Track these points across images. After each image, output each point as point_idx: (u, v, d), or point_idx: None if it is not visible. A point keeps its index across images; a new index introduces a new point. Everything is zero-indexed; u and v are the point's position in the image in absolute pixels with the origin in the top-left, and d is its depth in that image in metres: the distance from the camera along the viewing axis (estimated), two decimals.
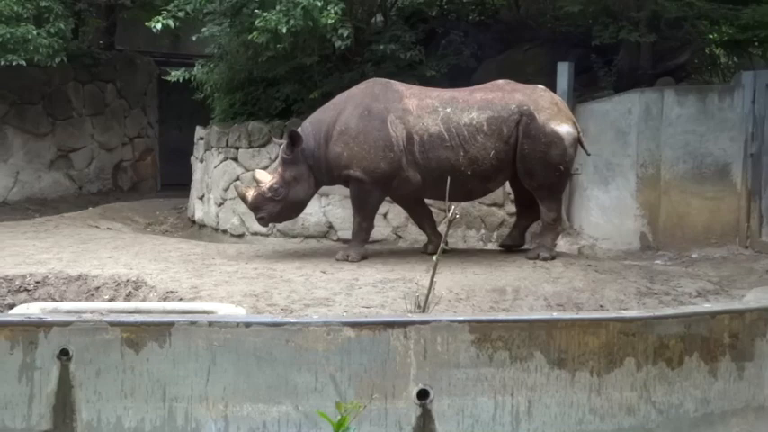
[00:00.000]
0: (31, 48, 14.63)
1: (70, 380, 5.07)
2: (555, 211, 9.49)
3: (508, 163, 9.25)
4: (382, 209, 11.64)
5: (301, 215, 10.77)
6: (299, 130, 9.63)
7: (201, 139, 14.44)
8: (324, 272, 8.81)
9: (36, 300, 7.88)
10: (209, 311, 6.10)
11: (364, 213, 9.65)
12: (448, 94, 9.53)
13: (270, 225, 11.19)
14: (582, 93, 12.04)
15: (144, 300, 7.75)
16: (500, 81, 9.65)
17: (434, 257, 6.33)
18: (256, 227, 12.47)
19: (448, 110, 9.27)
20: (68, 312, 5.75)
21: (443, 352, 5.19)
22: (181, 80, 13.27)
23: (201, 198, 14.07)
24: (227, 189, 13.16)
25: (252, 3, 11.12)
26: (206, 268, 9.00)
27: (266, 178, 9.62)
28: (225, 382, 5.14)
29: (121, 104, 18.95)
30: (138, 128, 19.35)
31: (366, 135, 9.26)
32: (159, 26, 11.46)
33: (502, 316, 6.16)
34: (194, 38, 12.88)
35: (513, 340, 5.19)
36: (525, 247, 10.00)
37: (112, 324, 5.11)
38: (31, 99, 17.02)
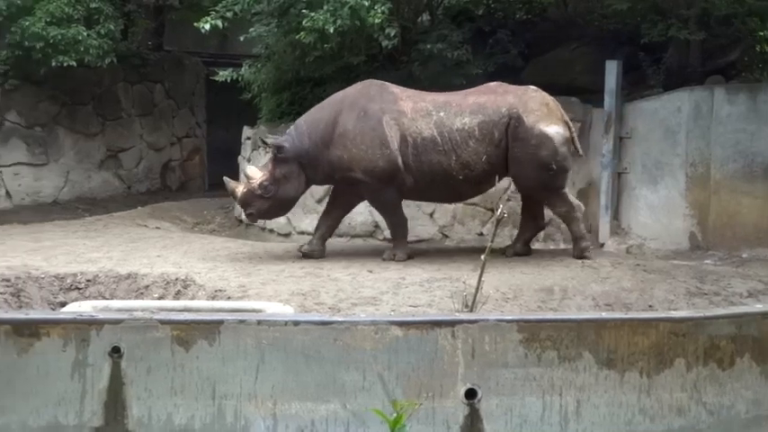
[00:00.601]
0: (82, 49, 14.80)
1: (121, 377, 5.13)
2: (562, 205, 9.57)
3: (500, 166, 9.31)
4: (428, 208, 11.64)
5: (348, 214, 10.89)
6: (292, 128, 9.77)
7: (249, 138, 14.51)
8: (370, 271, 8.83)
9: (87, 298, 7.98)
10: (257, 310, 6.14)
11: (387, 211, 9.90)
12: (442, 98, 9.63)
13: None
14: (630, 91, 11.92)
15: (193, 298, 7.83)
16: (493, 84, 9.76)
17: (482, 257, 6.32)
18: (303, 226, 12.53)
19: (441, 114, 9.39)
20: (119, 310, 5.82)
21: (491, 351, 5.18)
22: (228, 80, 13.35)
23: None
24: None
25: (299, 3, 11.16)
26: (253, 267, 9.07)
27: (257, 175, 9.73)
28: (273, 380, 5.17)
29: (170, 105, 19.10)
30: (186, 128, 19.49)
31: (363, 136, 9.40)
32: (208, 27, 11.54)
33: (550, 316, 6.16)
34: (242, 38, 12.95)
35: (561, 340, 5.17)
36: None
37: (163, 322, 5.16)
38: (81, 100, 17.21)
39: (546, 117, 9.29)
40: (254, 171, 9.87)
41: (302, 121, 9.88)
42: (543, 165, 9.24)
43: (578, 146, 9.56)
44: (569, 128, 9.45)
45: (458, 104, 9.43)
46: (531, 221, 9.88)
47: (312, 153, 9.57)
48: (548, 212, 10.16)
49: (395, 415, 3.88)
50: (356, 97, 9.71)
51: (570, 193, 9.89)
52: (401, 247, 9.67)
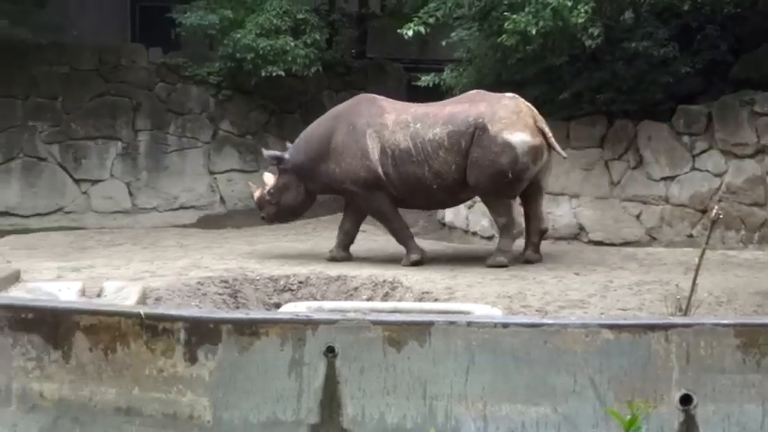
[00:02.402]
0: (289, 59, 15.37)
1: (336, 376, 5.26)
2: (504, 215, 9.57)
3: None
4: (634, 210, 11.41)
5: (551, 216, 10.97)
6: (295, 141, 10.48)
7: None
8: (577, 273, 8.74)
9: (299, 299, 8.24)
10: (465, 312, 6.17)
11: (382, 219, 10.28)
12: (423, 109, 9.92)
13: None
14: None
15: (400, 300, 7.95)
16: (473, 92, 10.04)
17: (696, 259, 6.15)
18: None
19: (417, 125, 9.66)
20: (332, 311, 5.97)
21: (707, 356, 5.01)
22: (430, 85, 13.50)
23: None
24: None
25: (501, 5, 11.16)
26: (459, 269, 9.14)
27: (270, 182, 10.48)
28: (483, 381, 5.19)
29: None
30: None
31: (349, 148, 9.85)
32: (411, 33, 11.72)
33: None
34: (443, 42, 13.06)
35: None
36: None
37: (375, 323, 5.27)
38: (288, 108, 17.82)
39: (512, 125, 9.34)
40: (269, 178, 10.55)
41: (301, 135, 10.51)
42: (501, 172, 9.29)
43: (558, 149, 9.52)
44: (544, 135, 9.40)
45: (434, 115, 9.69)
46: (533, 225, 9.78)
47: (307, 166, 10.13)
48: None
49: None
50: (347, 112, 10.20)
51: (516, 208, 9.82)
52: (411, 250, 9.84)
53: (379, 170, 9.70)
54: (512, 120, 9.38)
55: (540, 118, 9.53)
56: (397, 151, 9.64)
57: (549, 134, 9.46)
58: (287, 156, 10.29)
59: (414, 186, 9.67)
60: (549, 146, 9.47)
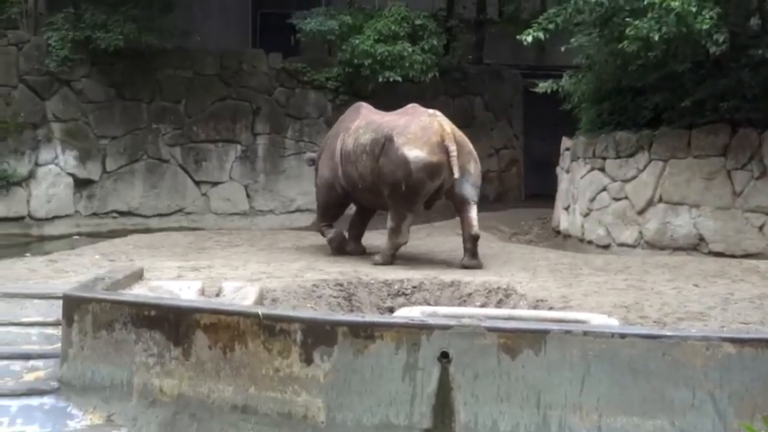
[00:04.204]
0: (407, 64, 15.45)
1: (449, 382, 5.28)
2: (394, 221, 10.13)
3: None
4: (757, 221, 11.11)
5: (670, 226, 11.06)
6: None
7: (568, 149, 14.47)
8: (696, 285, 8.54)
9: (413, 304, 8.24)
10: (581, 321, 6.10)
11: (322, 211, 11.39)
12: (375, 116, 10.69)
13: (637, 237, 11.81)
14: None
15: (514, 307, 7.89)
16: (410, 106, 10.69)
17: None
18: (623, 238, 12.32)
19: (361, 131, 10.45)
20: (446, 317, 5.98)
21: None
22: (548, 92, 13.39)
23: (567, 208, 14.10)
24: (593, 200, 13.09)
25: (622, 11, 10.97)
26: (574, 278, 9.03)
27: None
28: (599, 392, 5.14)
29: (488, 117, 19.44)
30: (504, 139, 19.76)
31: (329, 149, 11.08)
32: (530, 39, 11.63)
33: None
34: (562, 49, 12.93)
35: None
36: None
37: (490, 330, 5.27)
38: None
39: (414, 141, 9.81)
40: None
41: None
42: (396, 183, 9.84)
43: (455, 170, 9.71)
44: (447, 155, 9.70)
45: (375, 123, 10.41)
46: (464, 232, 10.10)
47: (319, 168, 11.31)
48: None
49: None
50: (341, 119, 11.41)
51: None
52: (326, 234, 11.11)
53: (339, 169, 10.70)
54: (416, 136, 9.88)
55: (450, 138, 9.84)
56: (345, 152, 10.58)
57: (453, 154, 9.72)
58: (315, 156, 11.64)
59: (351, 184, 10.57)
60: (450, 164, 9.76)
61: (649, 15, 10.42)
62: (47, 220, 16.31)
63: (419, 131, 9.90)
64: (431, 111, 10.29)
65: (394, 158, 9.83)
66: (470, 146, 10.17)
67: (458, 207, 10.19)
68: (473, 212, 10.06)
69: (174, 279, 8.30)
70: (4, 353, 6.53)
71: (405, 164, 9.74)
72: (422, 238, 12.69)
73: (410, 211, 10.15)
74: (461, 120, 18.56)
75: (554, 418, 5.18)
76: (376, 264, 9.93)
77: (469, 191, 10.07)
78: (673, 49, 11.10)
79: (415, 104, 10.72)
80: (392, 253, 10.12)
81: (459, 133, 10.08)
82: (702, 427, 4.98)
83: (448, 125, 10.00)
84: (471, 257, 9.91)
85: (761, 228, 11.20)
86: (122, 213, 17.01)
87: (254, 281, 8.36)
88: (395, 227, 10.11)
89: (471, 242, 9.95)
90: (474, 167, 10.10)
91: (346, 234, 11.19)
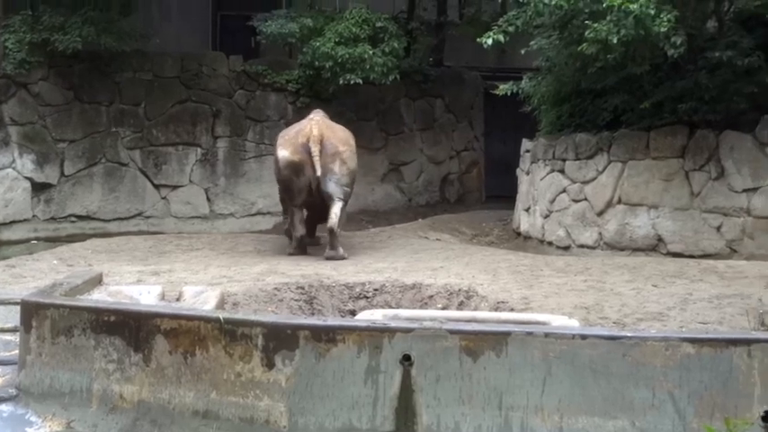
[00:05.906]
0: (368, 67, 15.42)
1: (411, 384, 5.27)
2: (288, 216, 11.77)
3: None
4: (714, 221, 11.23)
5: (629, 227, 11.16)
6: None
7: (528, 151, 14.55)
8: (655, 285, 8.61)
9: (374, 307, 8.23)
10: (542, 323, 6.12)
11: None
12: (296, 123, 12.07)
13: (596, 238, 11.92)
14: None
15: (475, 309, 7.90)
16: (314, 111, 11.87)
17: None
18: (583, 239, 12.41)
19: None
20: (409, 319, 5.97)
21: None
22: (508, 94, 13.45)
23: (527, 210, 14.18)
24: (553, 201, 13.18)
25: (581, 14, 11.06)
26: (535, 279, 9.07)
27: None
28: (560, 393, 5.15)
29: (449, 119, 19.49)
30: (465, 141, 19.82)
31: None
32: (490, 41, 11.66)
33: None
34: (523, 51, 13.00)
35: None
36: None
37: (452, 332, 5.26)
38: (366, 116, 17.91)
39: (285, 142, 11.22)
40: None
41: None
42: (276, 180, 11.70)
43: (317, 168, 10.74)
44: (308, 154, 10.78)
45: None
46: (326, 225, 11.03)
47: None
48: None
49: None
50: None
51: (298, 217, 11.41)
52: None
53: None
54: (289, 136, 11.27)
55: (314, 140, 10.85)
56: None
57: (315, 154, 10.77)
58: None
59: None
60: (312, 163, 10.79)
61: (608, 18, 10.49)
62: (4, 224, 16.10)
63: (293, 134, 11.21)
64: (317, 117, 11.28)
65: (274, 158, 11.42)
66: (340, 148, 11.02)
67: (325, 203, 11.05)
68: (335, 208, 10.89)
69: (133, 284, 8.24)
70: None
71: (276, 162, 11.32)
72: (383, 240, 12.69)
73: (294, 206, 11.33)
74: (422, 122, 18.74)
75: (516, 420, 5.18)
76: (289, 255, 11.12)
77: (333, 188, 11.01)
78: (631, 52, 11.20)
79: (319, 110, 11.81)
80: (295, 245, 11.35)
81: (331, 135, 10.99)
82: (662, 427, 5.01)
83: (317, 129, 10.92)
84: (330, 249, 10.83)
85: (718, 228, 11.33)
86: (81, 217, 16.84)
87: (214, 285, 8.31)
88: (290, 221, 11.58)
89: (330, 235, 10.87)
90: (339, 167, 10.99)
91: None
